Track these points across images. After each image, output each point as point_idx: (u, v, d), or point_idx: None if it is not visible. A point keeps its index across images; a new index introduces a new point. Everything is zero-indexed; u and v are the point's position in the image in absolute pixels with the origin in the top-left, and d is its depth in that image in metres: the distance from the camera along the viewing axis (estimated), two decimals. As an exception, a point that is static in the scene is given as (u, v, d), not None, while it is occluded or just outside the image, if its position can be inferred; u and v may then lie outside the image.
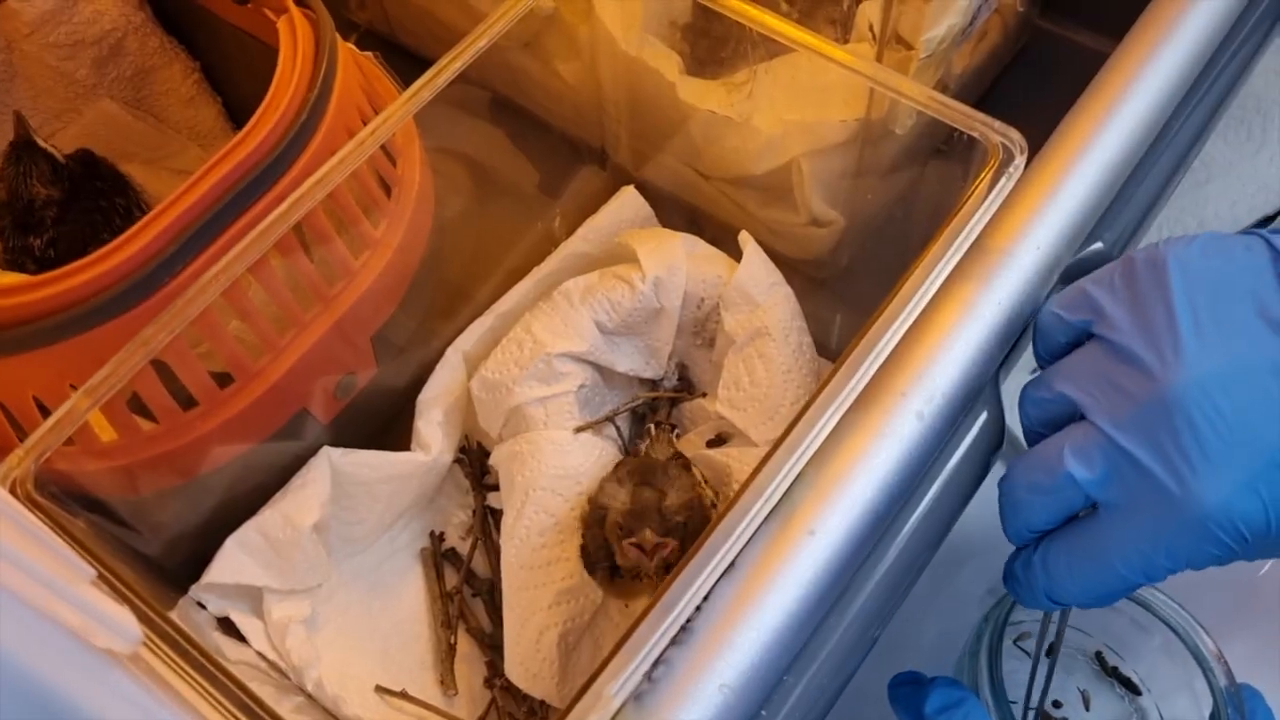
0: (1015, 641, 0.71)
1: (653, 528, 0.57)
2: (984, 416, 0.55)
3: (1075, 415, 0.50)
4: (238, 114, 0.84)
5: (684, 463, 0.64)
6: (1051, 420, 0.51)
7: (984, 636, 0.63)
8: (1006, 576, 0.55)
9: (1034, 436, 0.53)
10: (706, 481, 0.63)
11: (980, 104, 0.55)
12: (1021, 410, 0.53)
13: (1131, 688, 0.70)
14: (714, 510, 0.61)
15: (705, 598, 0.44)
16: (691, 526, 0.58)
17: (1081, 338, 0.52)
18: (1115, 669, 0.70)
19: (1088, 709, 0.70)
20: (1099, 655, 0.71)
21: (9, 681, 0.24)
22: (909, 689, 0.60)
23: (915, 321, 0.50)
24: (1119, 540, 0.48)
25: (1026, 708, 0.67)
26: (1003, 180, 0.52)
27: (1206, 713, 0.64)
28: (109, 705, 0.25)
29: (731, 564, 0.44)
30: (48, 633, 0.25)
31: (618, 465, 0.65)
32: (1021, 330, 0.55)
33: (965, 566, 0.74)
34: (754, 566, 0.46)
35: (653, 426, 0.71)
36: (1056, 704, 0.70)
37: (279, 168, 0.56)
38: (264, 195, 0.56)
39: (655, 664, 0.43)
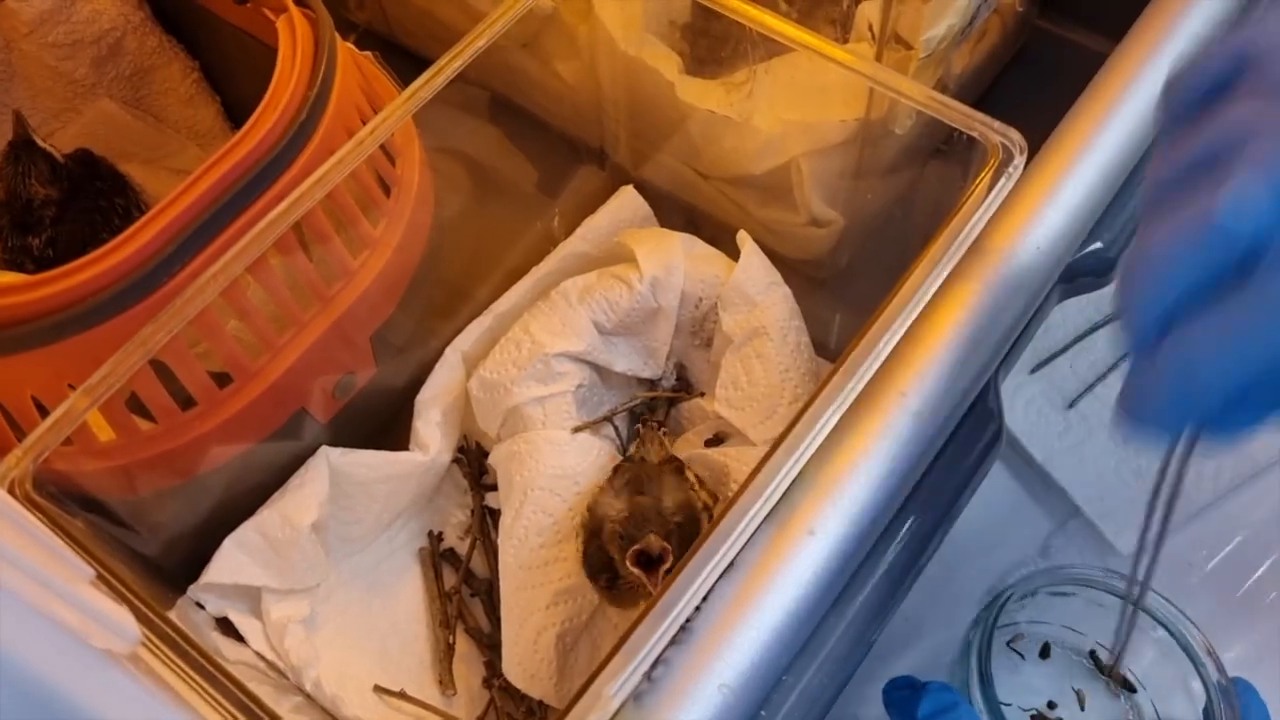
0: (1008, 643, 0.71)
1: (656, 532, 0.57)
2: (983, 416, 0.55)
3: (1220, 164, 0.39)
4: (237, 114, 0.84)
5: (676, 466, 0.64)
6: (1187, 180, 0.40)
7: (975, 639, 0.63)
8: (1121, 395, 0.40)
9: (1160, 200, 0.41)
10: (702, 484, 0.63)
11: (979, 104, 0.55)
12: (1149, 175, 0.43)
13: (1126, 686, 0.70)
14: (707, 514, 0.61)
15: (705, 598, 0.44)
16: (685, 529, 0.58)
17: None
18: (1110, 668, 0.70)
19: (1083, 708, 0.70)
20: (1093, 654, 0.71)
21: (9, 680, 0.24)
22: (903, 694, 0.60)
23: (915, 321, 0.50)
24: None
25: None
26: (1002, 180, 0.52)
27: (1199, 709, 0.64)
28: (110, 704, 0.25)
29: (731, 564, 0.44)
30: (48, 631, 0.25)
31: (614, 472, 0.65)
32: (1021, 331, 0.55)
33: (963, 568, 0.74)
34: (753, 566, 0.46)
35: (640, 427, 0.71)
36: (1051, 704, 0.70)
37: (278, 167, 0.56)
38: (263, 195, 0.56)
39: (655, 664, 0.42)
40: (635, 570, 0.56)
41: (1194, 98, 0.42)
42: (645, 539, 0.57)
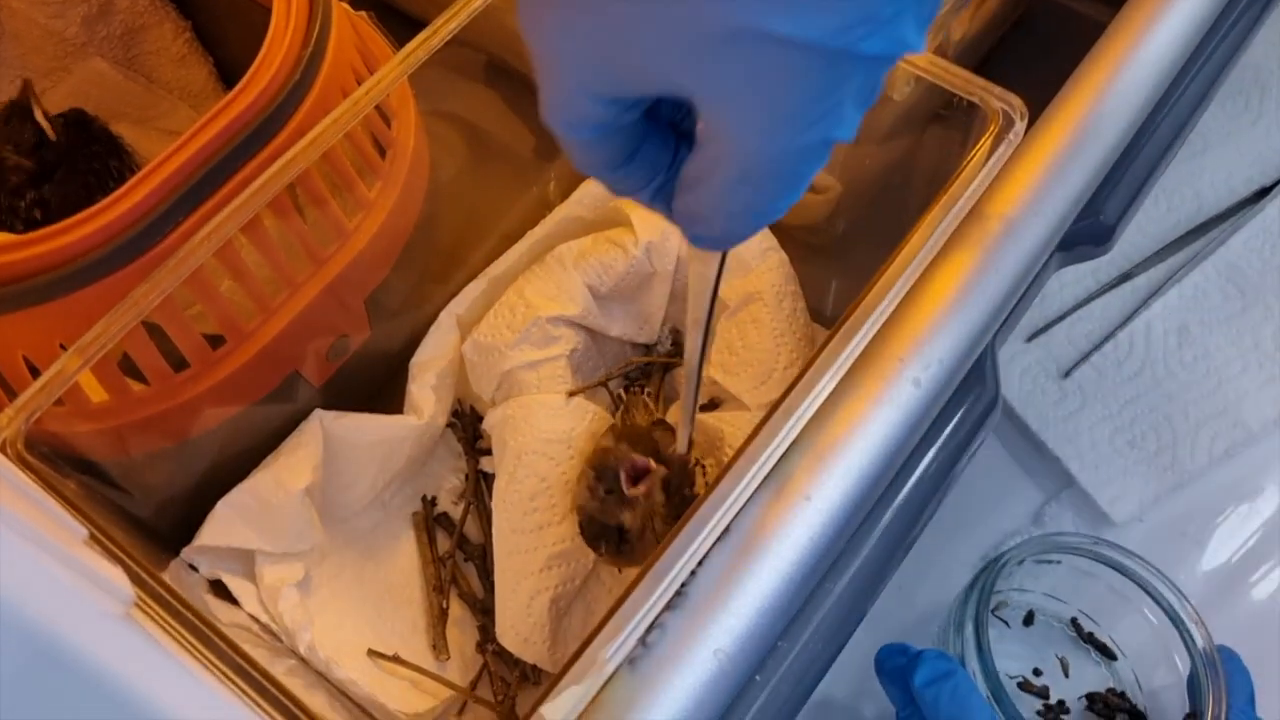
0: (993, 611, 0.71)
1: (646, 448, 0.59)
2: (979, 384, 0.55)
3: None
4: (230, 74, 0.83)
5: (665, 426, 0.64)
6: None
7: (969, 604, 0.63)
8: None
9: None
10: (692, 444, 0.63)
11: (979, 71, 0.55)
12: None
13: (1108, 653, 0.70)
14: (699, 468, 0.62)
15: (700, 562, 0.44)
16: (674, 484, 0.59)
17: None
18: (1091, 635, 0.71)
19: (1066, 676, 0.71)
20: (1074, 622, 0.71)
21: (10, 629, 0.24)
22: (897, 661, 0.60)
23: (913, 288, 0.49)
24: None
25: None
26: (1002, 146, 0.52)
27: (1183, 675, 0.64)
28: (115, 654, 0.25)
29: (726, 529, 0.44)
30: (48, 585, 0.25)
31: (605, 434, 0.65)
32: (1019, 298, 0.54)
33: (956, 536, 0.74)
34: (749, 532, 0.45)
35: (623, 392, 0.71)
36: (1037, 671, 0.71)
37: (272, 127, 0.56)
38: (257, 154, 0.56)
39: (650, 629, 0.42)
40: (634, 489, 0.58)
41: None
42: (629, 457, 0.58)
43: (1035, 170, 0.55)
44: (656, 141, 0.36)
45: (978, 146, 0.52)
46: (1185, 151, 0.87)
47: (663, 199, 0.38)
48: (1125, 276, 0.84)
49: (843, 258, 0.73)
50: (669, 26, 0.30)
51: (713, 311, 0.45)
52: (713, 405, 0.68)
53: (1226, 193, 0.88)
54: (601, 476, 0.60)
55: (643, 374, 0.72)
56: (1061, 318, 0.82)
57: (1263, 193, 0.87)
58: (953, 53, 0.73)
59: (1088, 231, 0.59)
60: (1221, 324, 0.82)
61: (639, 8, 0.30)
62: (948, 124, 0.56)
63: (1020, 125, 0.52)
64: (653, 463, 0.58)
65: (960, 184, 0.51)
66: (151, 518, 0.59)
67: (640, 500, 0.58)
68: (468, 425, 0.71)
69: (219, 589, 0.62)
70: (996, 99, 0.53)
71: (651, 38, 0.31)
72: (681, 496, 0.60)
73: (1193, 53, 0.63)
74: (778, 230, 0.68)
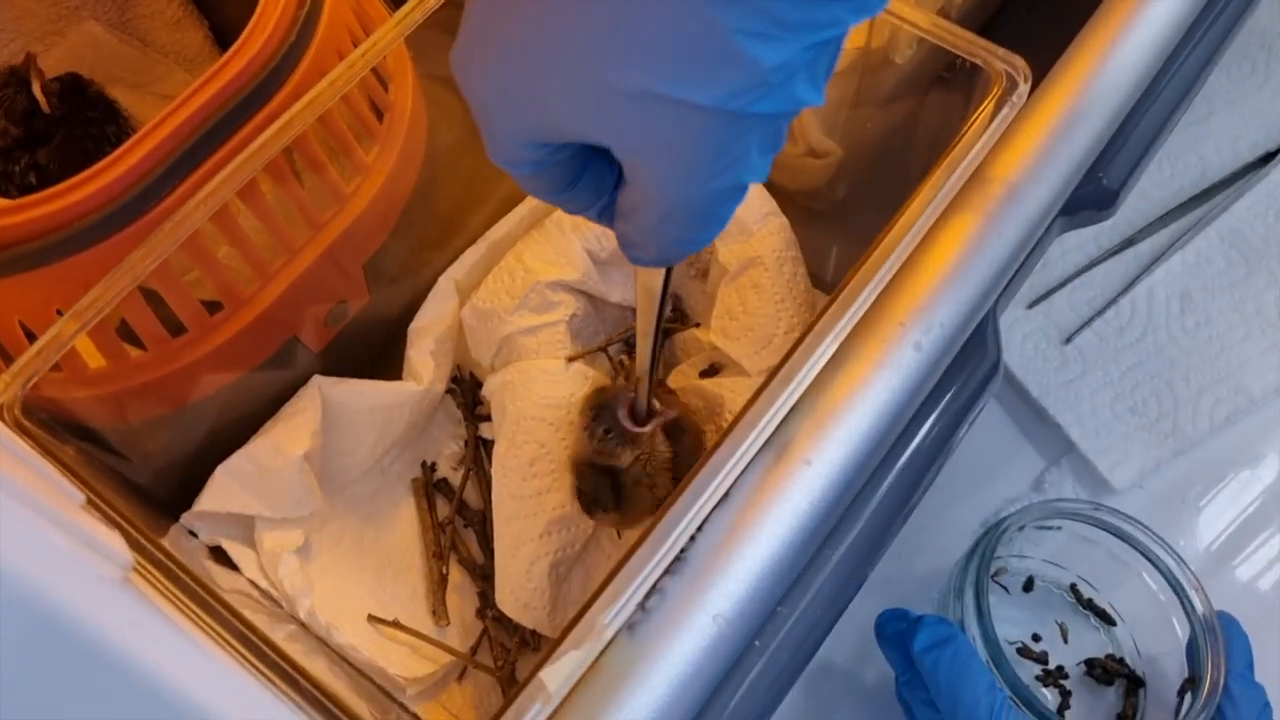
0: (993, 577, 0.71)
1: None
2: (981, 349, 0.54)
3: None
4: (225, 38, 0.83)
5: (666, 389, 0.64)
6: None
7: (969, 570, 0.63)
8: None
9: None
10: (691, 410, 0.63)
11: (981, 33, 0.54)
12: None
13: (1107, 619, 0.70)
14: (703, 431, 0.61)
15: (700, 528, 0.44)
16: (686, 443, 0.58)
17: None
18: (1090, 601, 0.71)
19: (1066, 641, 0.71)
20: (1074, 588, 0.71)
21: (8, 593, 0.24)
22: (897, 626, 0.60)
23: (914, 251, 0.49)
24: None
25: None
26: (1005, 109, 0.52)
27: (1181, 641, 0.64)
28: (113, 620, 0.25)
29: (726, 494, 0.44)
30: (45, 551, 0.25)
31: (590, 410, 0.64)
32: (1021, 263, 0.54)
33: (956, 502, 0.74)
34: (749, 496, 0.45)
35: (624, 358, 0.70)
36: (1036, 637, 0.71)
37: (268, 89, 0.55)
38: (252, 118, 0.55)
39: (649, 593, 0.42)
40: (632, 426, 0.57)
41: None
42: (627, 394, 0.58)
43: (1038, 133, 0.55)
44: (597, 168, 0.38)
45: (980, 109, 0.52)
46: (1190, 116, 0.87)
47: (609, 218, 0.40)
48: (1128, 242, 0.84)
49: (844, 222, 0.73)
50: (576, 88, 0.32)
51: (660, 322, 0.47)
52: (713, 371, 0.68)
53: (1231, 158, 0.87)
54: (599, 417, 0.59)
55: (642, 339, 0.72)
56: (1063, 284, 0.82)
57: (1268, 158, 0.86)
58: (956, 14, 0.72)
59: (1091, 196, 0.58)
60: (1224, 290, 0.82)
61: (549, 70, 0.32)
62: (950, 86, 0.56)
63: (1024, 88, 0.52)
64: (658, 404, 0.58)
65: (962, 147, 0.51)
66: (150, 484, 0.59)
67: (643, 440, 0.58)
68: (467, 391, 0.71)
69: (218, 555, 0.62)
70: (1000, 61, 0.53)
71: (562, 97, 0.33)
72: (696, 457, 0.60)
73: (1198, 15, 0.62)
74: (778, 195, 0.67)
